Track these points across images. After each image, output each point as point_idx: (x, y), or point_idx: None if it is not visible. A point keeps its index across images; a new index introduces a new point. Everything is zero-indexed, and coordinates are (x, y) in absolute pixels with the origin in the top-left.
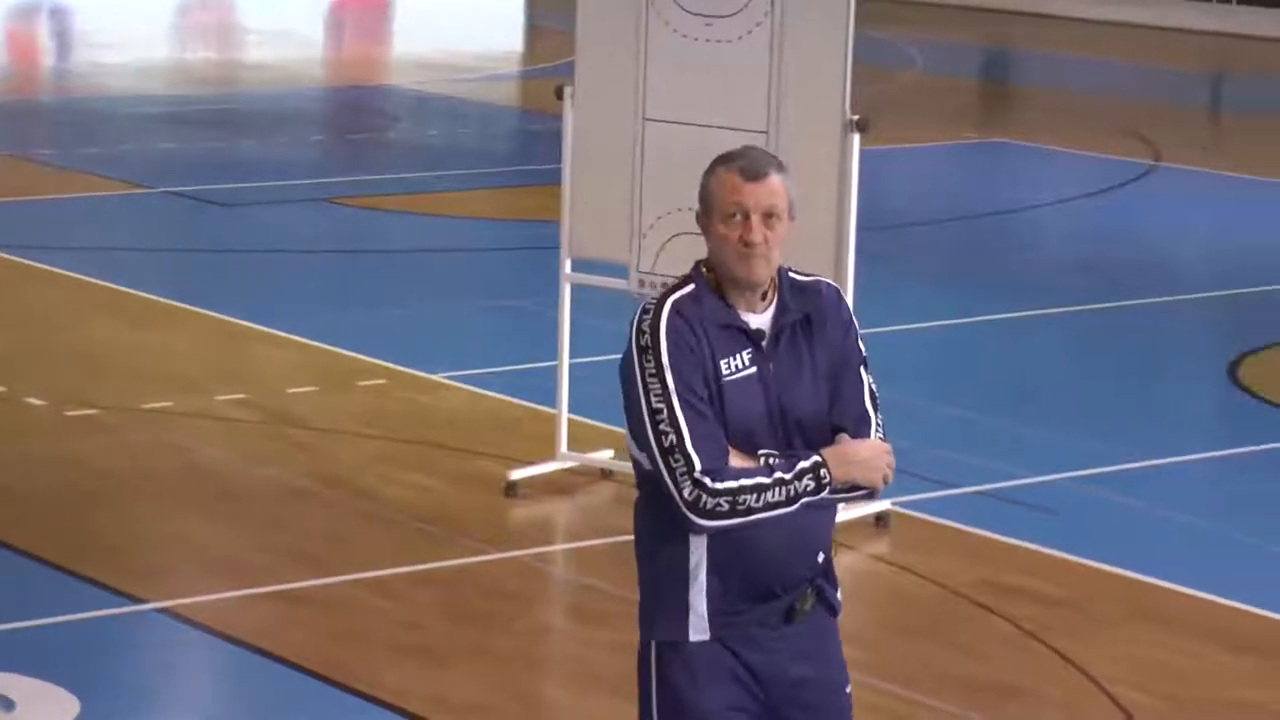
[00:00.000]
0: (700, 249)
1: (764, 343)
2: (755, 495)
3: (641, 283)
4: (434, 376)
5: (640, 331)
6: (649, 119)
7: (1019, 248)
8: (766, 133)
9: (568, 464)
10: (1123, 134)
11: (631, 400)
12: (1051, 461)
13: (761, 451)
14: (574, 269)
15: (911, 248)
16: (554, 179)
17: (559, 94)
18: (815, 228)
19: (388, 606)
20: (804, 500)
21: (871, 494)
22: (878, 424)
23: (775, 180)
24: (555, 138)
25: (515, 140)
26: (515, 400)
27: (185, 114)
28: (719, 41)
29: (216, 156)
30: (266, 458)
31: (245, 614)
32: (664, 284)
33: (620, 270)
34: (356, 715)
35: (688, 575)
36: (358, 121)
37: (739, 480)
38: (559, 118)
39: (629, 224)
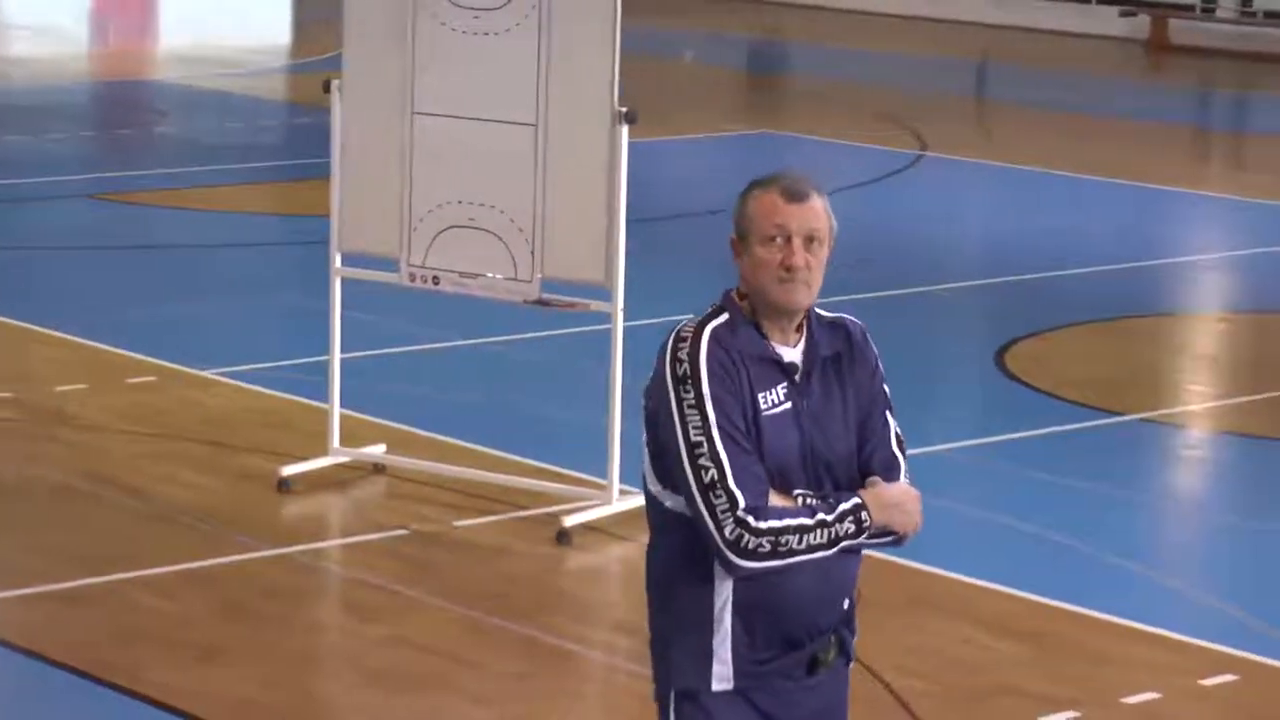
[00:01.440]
0: (468, 240)
1: (797, 377)
2: (798, 537)
3: (412, 277)
4: (205, 373)
5: (676, 360)
6: (418, 112)
7: None
8: (536, 125)
9: (340, 459)
10: (890, 124)
11: (665, 432)
12: None
13: (797, 492)
14: (344, 263)
15: (682, 239)
16: (323, 173)
17: (326, 88)
18: (585, 220)
19: (161, 605)
20: (843, 544)
21: (900, 540)
22: (906, 469)
23: (817, 203)
24: (324, 132)
25: (284, 134)
26: (287, 396)
27: None
28: (487, 34)
29: None
30: (36, 457)
31: (16, 615)
32: (434, 278)
33: (390, 264)
34: (130, 714)
35: (711, 621)
36: (125, 117)
37: (783, 520)
38: (328, 111)
39: (399, 218)
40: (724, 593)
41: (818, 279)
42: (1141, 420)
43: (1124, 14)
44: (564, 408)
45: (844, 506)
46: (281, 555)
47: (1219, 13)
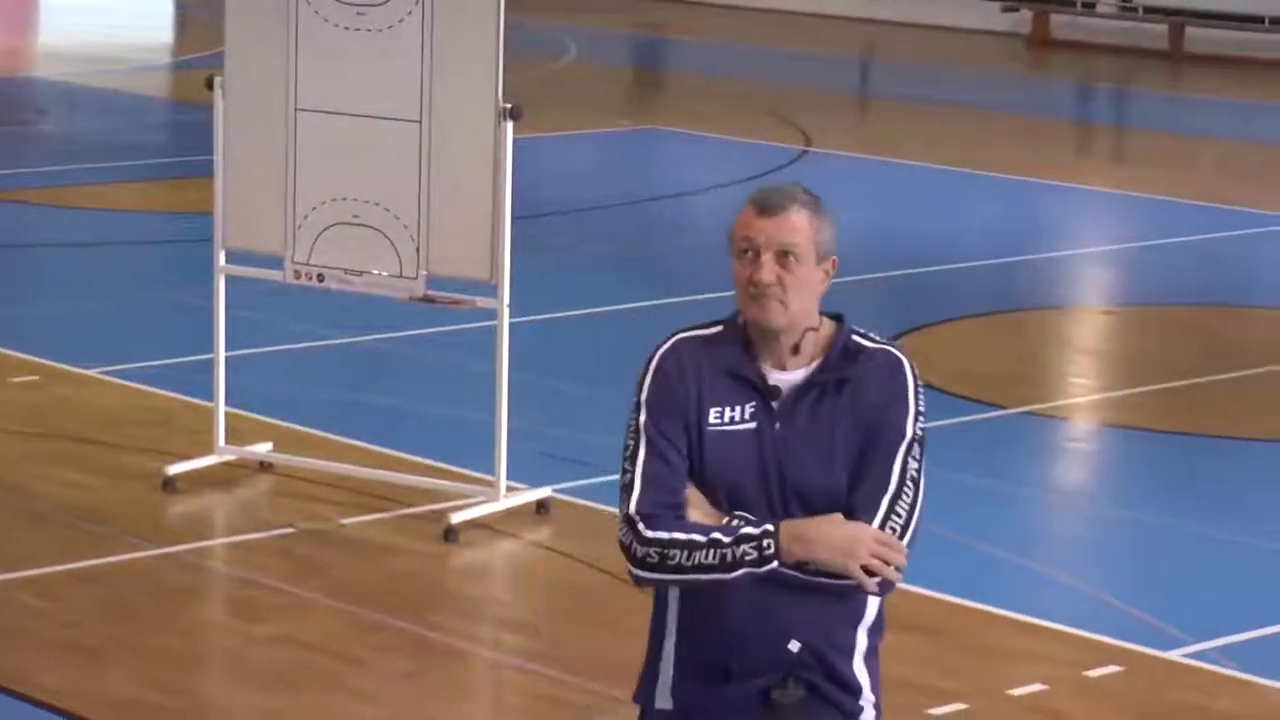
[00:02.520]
0: (353, 237)
1: (778, 400)
2: (686, 553)
3: (297, 274)
4: (88, 372)
5: (645, 362)
6: (301, 109)
7: (674, 234)
8: (420, 122)
9: (226, 457)
10: (774, 119)
11: None
12: None
13: (736, 513)
14: (229, 261)
15: (567, 235)
16: (207, 170)
17: (209, 84)
18: (470, 216)
19: (45, 606)
20: (744, 570)
21: (884, 588)
22: (892, 513)
23: (795, 217)
24: (208, 129)
25: (167, 132)
26: (172, 394)
27: None
28: (370, 30)
29: None
30: None
31: None
32: (319, 275)
33: (275, 262)
34: (15, 716)
35: (663, 635)
36: (4, 114)
37: (672, 533)
38: (211, 108)
39: (283, 215)
40: (673, 609)
41: (796, 297)
42: (1025, 413)
43: (1006, 9)
44: (450, 405)
45: (747, 531)
46: (167, 554)
47: (1100, 8)
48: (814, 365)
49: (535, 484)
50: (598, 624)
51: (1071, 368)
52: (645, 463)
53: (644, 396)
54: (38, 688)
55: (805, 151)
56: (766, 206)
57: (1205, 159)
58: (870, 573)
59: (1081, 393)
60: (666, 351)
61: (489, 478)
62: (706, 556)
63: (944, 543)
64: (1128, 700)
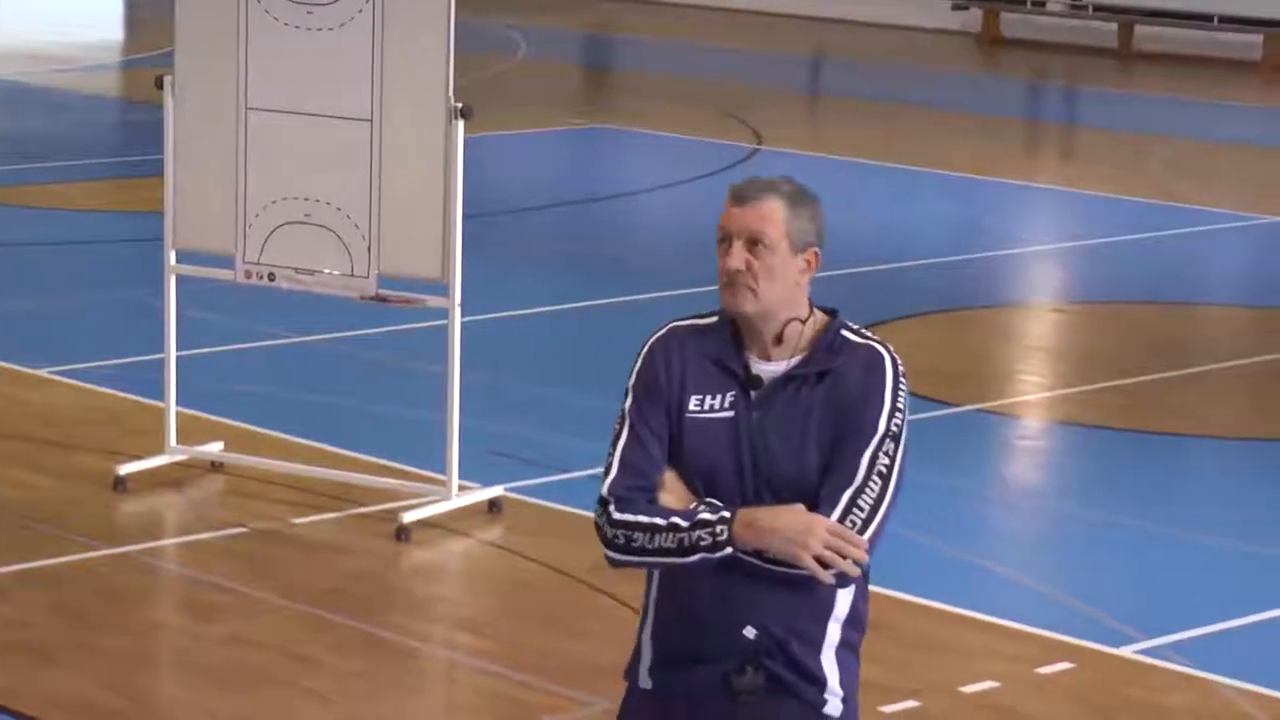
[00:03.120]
0: (304, 236)
1: (758, 390)
2: (648, 535)
3: (248, 274)
4: (37, 372)
5: (639, 350)
6: (251, 108)
7: (626, 232)
8: (371, 121)
9: (177, 457)
10: (725, 118)
11: None
12: None
13: (706, 499)
14: (179, 260)
15: (519, 234)
16: (158, 170)
17: (159, 84)
18: (421, 215)
19: None
20: (700, 555)
21: (841, 580)
22: (854, 507)
23: (768, 205)
24: (158, 128)
25: (117, 131)
26: (122, 394)
27: None
28: (320, 29)
29: None
30: None
31: None
32: (270, 274)
33: (226, 261)
34: None
35: (645, 616)
36: None
37: (636, 516)
38: (161, 108)
39: (233, 214)
40: (653, 592)
41: (768, 285)
42: (976, 411)
43: (956, 7)
44: (402, 404)
45: (704, 516)
46: (118, 555)
47: (1050, 6)
48: (799, 357)
49: (487, 483)
50: (549, 623)
51: (1022, 365)
52: (624, 447)
53: (631, 382)
54: None
55: (757, 150)
56: (741, 196)
57: (1154, 157)
58: (827, 565)
59: (1032, 390)
60: (657, 340)
61: (440, 477)
62: (665, 540)
63: (895, 539)
64: (1080, 697)
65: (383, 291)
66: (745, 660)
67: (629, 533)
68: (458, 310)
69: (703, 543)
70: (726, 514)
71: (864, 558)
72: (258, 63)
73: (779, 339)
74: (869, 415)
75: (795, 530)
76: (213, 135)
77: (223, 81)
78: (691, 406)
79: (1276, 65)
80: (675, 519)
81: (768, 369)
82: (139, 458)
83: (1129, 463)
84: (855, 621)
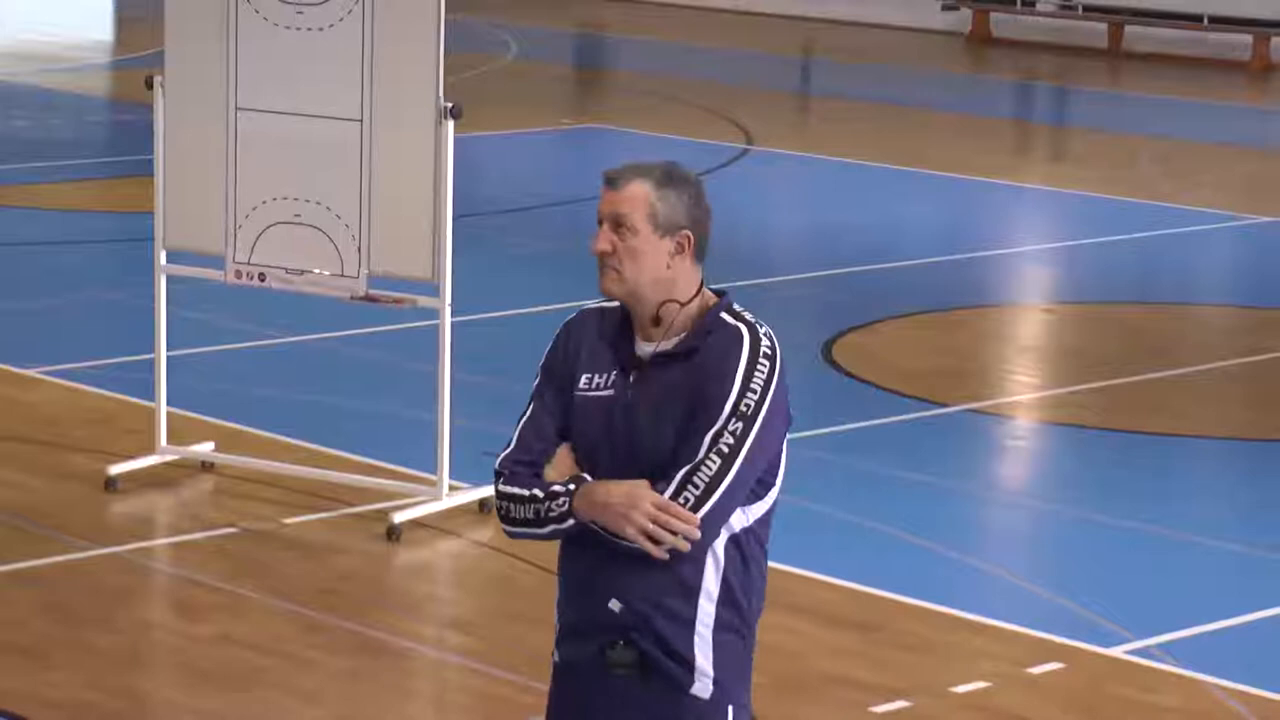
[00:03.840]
0: (294, 236)
1: (635, 371)
2: (517, 506)
3: (238, 274)
4: (28, 372)
5: None
6: (241, 108)
7: None
8: (361, 121)
9: (168, 458)
10: (715, 118)
11: None
12: None
13: (579, 474)
14: (170, 260)
15: (508, 235)
16: (148, 170)
17: (149, 84)
18: (411, 215)
19: None
20: (551, 527)
21: (675, 556)
22: (689, 484)
23: (633, 188)
24: (148, 128)
25: (108, 131)
26: (113, 394)
27: None
28: (310, 29)
29: None
30: None
31: None
32: (260, 274)
33: (216, 261)
34: None
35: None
36: None
37: (513, 487)
38: (151, 108)
39: (223, 214)
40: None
41: (632, 267)
42: (967, 411)
43: (946, 8)
44: (392, 404)
45: (555, 489)
46: (109, 555)
47: (1040, 6)
48: (676, 339)
49: (477, 483)
50: (539, 623)
51: (1012, 365)
52: (523, 423)
53: (542, 362)
54: None
55: (747, 150)
56: (610, 180)
57: (1144, 157)
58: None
59: (1022, 390)
60: (567, 322)
61: (431, 477)
62: (527, 511)
63: (886, 540)
64: (1070, 697)
65: (373, 292)
66: (617, 635)
67: (508, 504)
68: (448, 310)
69: (552, 514)
70: (572, 486)
71: (694, 534)
72: (247, 63)
73: (656, 320)
74: (719, 394)
75: (621, 503)
76: (203, 135)
77: (212, 82)
78: (581, 385)
79: (1266, 65)
80: (536, 490)
81: (648, 350)
82: (130, 458)
83: (1120, 463)
84: (733, 603)
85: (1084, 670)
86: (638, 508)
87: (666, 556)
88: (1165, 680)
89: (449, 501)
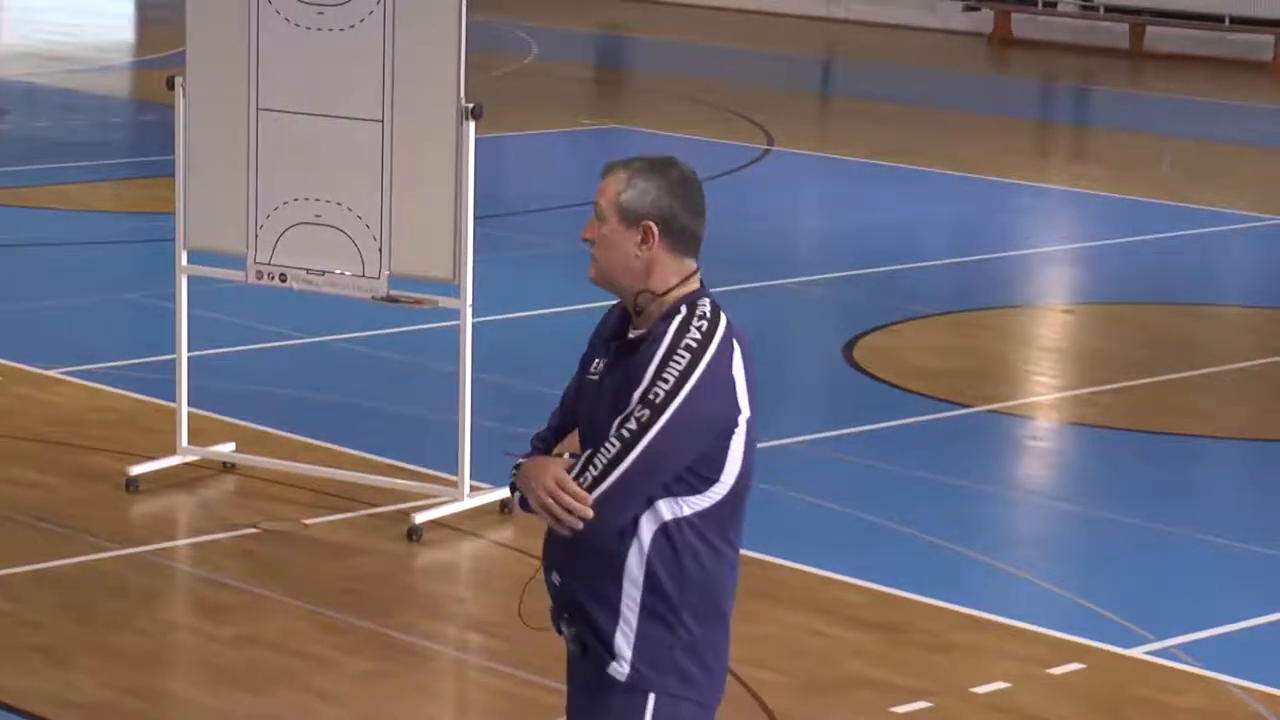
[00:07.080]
0: (315, 237)
1: (611, 357)
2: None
3: (259, 274)
4: (50, 372)
5: None
6: (263, 109)
7: None
8: (382, 121)
9: (189, 458)
10: (736, 119)
11: None
12: None
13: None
14: (191, 261)
15: (529, 235)
16: (169, 170)
17: (171, 84)
18: (432, 216)
19: (7, 607)
20: (518, 494)
21: (578, 533)
22: (589, 465)
23: (608, 179)
24: (170, 129)
25: (130, 131)
26: (134, 395)
27: None
28: (331, 30)
29: None
30: None
31: None
32: (281, 275)
33: (237, 262)
34: None
35: None
36: None
37: (519, 458)
38: (173, 108)
39: (244, 215)
40: None
41: (604, 255)
42: (988, 412)
43: (968, 8)
44: (414, 405)
45: (519, 460)
46: (130, 555)
47: (1061, 7)
48: (645, 328)
49: (499, 484)
50: None
51: (1033, 366)
52: (557, 406)
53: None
54: (1, 689)
55: (768, 150)
56: (602, 173)
57: (1166, 157)
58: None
59: (1043, 391)
60: (604, 316)
61: (452, 477)
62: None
63: (907, 540)
64: (1090, 697)
65: (394, 292)
66: (562, 608)
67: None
68: (469, 311)
69: (514, 483)
70: (522, 460)
71: (585, 512)
72: (269, 63)
73: (638, 310)
74: (636, 379)
75: (527, 478)
76: (224, 136)
77: (234, 82)
78: (590, 370)
79: None
80: (519, 461)
81: (635, 335)
82: (151, 458)
83: (1140, 463)
84: (659, 592)
85: (1105, 671)
86: (539, 483)
87: (568, 533)
88: (1186, 681)
89: (470, 502)
